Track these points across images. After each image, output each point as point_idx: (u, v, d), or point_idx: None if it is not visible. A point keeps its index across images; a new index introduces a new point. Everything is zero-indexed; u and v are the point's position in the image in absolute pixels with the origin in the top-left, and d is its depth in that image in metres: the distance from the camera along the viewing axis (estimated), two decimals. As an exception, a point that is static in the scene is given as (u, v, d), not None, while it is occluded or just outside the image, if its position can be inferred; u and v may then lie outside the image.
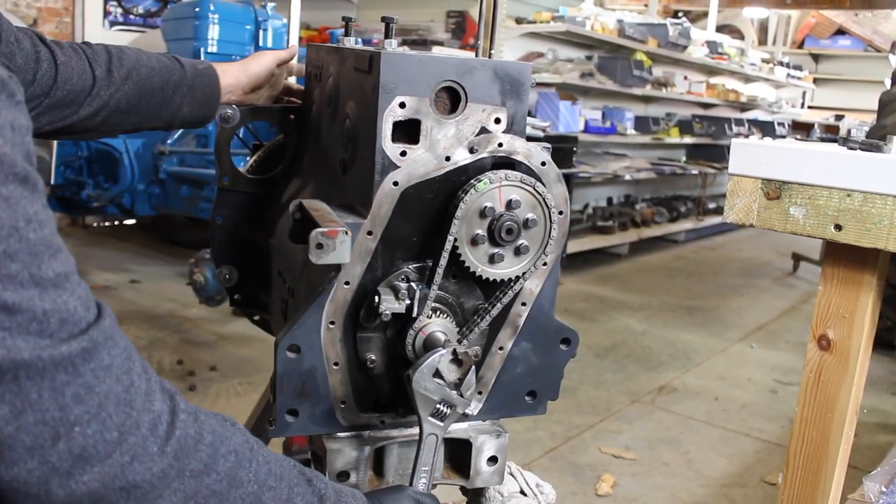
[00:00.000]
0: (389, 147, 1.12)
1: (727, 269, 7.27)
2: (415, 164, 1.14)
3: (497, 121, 1.17)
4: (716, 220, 8.49)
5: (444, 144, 1.15)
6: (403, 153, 1.13)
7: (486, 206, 1.13)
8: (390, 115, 1.11)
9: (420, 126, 1.14)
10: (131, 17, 7.42)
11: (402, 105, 1.11)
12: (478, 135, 1.17)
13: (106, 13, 7.25)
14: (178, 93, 1.46)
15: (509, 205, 1.14)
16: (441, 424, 1.14)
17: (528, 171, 1.18)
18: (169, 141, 5.54)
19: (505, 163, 1.18)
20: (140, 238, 6.79)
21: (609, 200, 7.85)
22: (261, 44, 5.66)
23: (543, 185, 1.17)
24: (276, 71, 1.64)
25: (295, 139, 1.66)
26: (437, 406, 1.13)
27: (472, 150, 1.16)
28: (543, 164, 1.20)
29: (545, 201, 1.16)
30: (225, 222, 1.68)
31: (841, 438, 1.38)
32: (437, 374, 1.12)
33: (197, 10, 5.46)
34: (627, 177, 7.33)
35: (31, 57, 1.25)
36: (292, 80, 1.74)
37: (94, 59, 1.35)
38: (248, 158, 1.77)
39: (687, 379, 4.24)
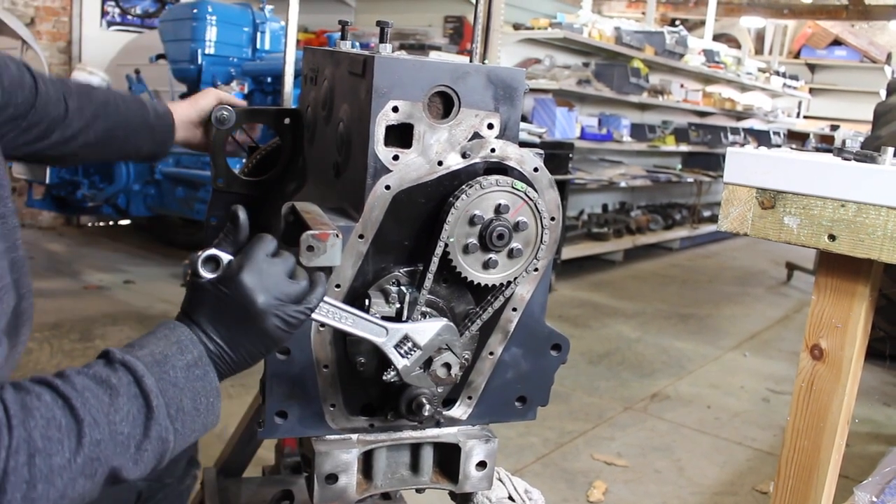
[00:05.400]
0: (382, 151, 1.12)
1: (721, 277, 7.28)
2: (407, 169, 1.14)
3: (490, 126, 1.17)
4: (710, 228, 8.50)
5: (437, 149, 1.15)
6: (396, 157, 1.13)
7: (474, 214, 1.14)
8: (383, 119, 1.11)
9: (413, 130, 1.14)
10: (129, 17, 7.42)
11: (395, 109, 1.12)
12: (470, 140, 1.17)
13: (103, 13, 7.24)
14: (140, 132, 1.58)
15: (498, 210, 1.14)
16: (387, 338, 1.12)
17: (521, 176, 1.18)
18: (165, 142, 5.53)
19: (497, 168, 1.18)
20: (134, 239, 6.78)
21: (604, 207, 7.85)
22: (258, 46, 5.66)
23: (535, 190, 1.17)
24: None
25: (290, 142, 1.66)
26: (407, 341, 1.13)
27: (464, 155, 1.16)
28: (536, 169, 1.20)
29: (537, 207, 1.16)
30: (220, 224, 1.68)
31: (832, 448, 1.38)
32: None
33: (195, 11, 5.45)
34: (623, 184, 7.33)
35: (17, 81, 1.32)
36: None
37: (68, 93, 1.44)
38: (243, 160, 1.77)
39: (680, 387, 4.24)
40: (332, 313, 1.07)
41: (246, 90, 5.27)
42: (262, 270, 0.98)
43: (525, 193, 1.14)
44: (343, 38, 1.58)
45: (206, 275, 0.99)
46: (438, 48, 6.60)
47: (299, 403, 1.19)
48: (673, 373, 4.45)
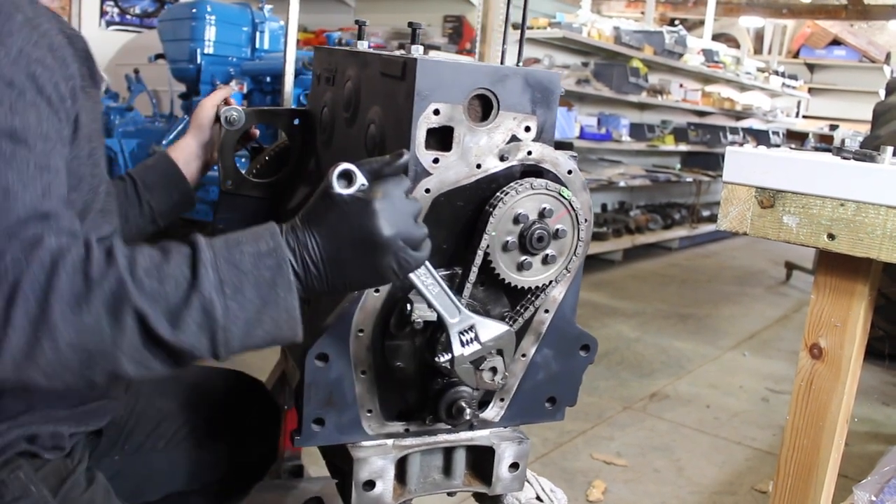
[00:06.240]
0: (423, 154, 1.12)
1: (721, 276, 7.29)
2: (447, 172, 1.14)
3: (527, 129, 1.18)
4: (710, 227, 8.49)
5: (476, 152, 1.15)
6: (436, 160, 1.13)
7: (519, 213, 1.14)
8: (424, 122, 1.11)
9: (453, 133, 1.13)
10: (128, 17, 7.38)
11: (437, 112, 1.11)
12: (508, 143, 1.17)
13: (102, 13, 7.21)
14: (133, 195, 1.55)
15: (542, 213, 1.14)
16: (458, 321, 1.11)
17: (556, 179, 1.19)
18: (164, 141, 5.51)
19: (534, 171, 1.19)
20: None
21: (603, 207, 7.86)
22: (257, 45, 5.64)
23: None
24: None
25: (300, 143, 1.65)
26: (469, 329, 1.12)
27: (502, 158, 1.16)
28: (570, 172, 1.21)
29: (577, 217, 1.17)
30: (227, 227, 1.66)
31: (832, 447, 1.38)
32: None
33: (194, 11, 5.42)
34: (622, 183, 7.33)
35: None
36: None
37: None
38: (243, 160, 1.75)
39: (679, 386, 4.25)
40: (423, 277, 1.06)
41: (245, 90, 5.26)
42: (396, 205, 0.95)
43: (570, 203, 1.15)
44: (360, 37, 1.59)
45: (340, 189, 0.94)
46: (437, 48, 6.58)
47: (336, 410, 1.18)
48: (672, 372, 4.46)
